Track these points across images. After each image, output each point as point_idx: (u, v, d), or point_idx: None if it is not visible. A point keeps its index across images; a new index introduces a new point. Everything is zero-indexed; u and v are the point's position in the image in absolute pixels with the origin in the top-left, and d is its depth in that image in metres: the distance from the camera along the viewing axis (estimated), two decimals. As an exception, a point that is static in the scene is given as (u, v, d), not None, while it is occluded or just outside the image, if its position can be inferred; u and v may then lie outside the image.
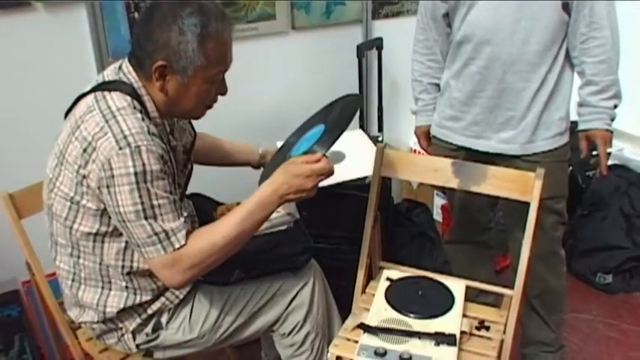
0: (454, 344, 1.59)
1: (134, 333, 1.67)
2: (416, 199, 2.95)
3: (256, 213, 1.48)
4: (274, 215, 1.69)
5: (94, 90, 1.51)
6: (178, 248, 1.45)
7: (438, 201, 2.98)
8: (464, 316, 1.71)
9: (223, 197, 1.96)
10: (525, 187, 1.71)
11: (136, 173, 1.39)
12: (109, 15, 2.21)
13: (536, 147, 1.93)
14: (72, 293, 1.65)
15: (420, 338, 1.60)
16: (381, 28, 2.84)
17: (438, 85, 2.10)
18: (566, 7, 1.82)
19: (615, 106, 1.87)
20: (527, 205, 1.70)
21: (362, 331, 1.64)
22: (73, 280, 1.62)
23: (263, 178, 1.65)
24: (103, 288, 1.61)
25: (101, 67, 2.20)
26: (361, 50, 2.71)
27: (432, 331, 1.62)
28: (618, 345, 2.53)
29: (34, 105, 2.15)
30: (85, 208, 1.48)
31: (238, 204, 1.54)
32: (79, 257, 1.58)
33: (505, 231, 2.21)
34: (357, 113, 2.80)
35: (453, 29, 1.97)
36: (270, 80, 2.66)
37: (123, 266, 1.57)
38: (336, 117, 1.63)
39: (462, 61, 1.94)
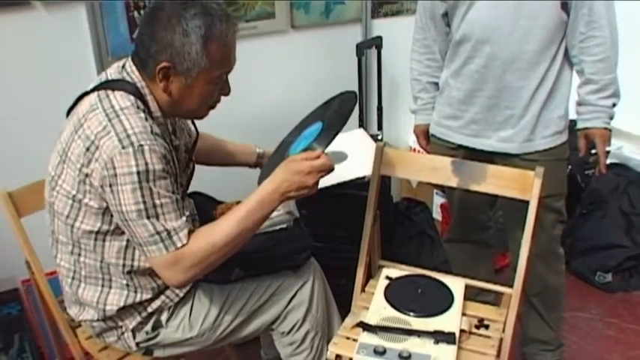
0: (453, 343, 1.59)
1: (134, 331, 1.67)
2: (415, 198, 2.95)
3: (257, 211, 1.48)
4: (274, 214, 1.69)
5: (97, 88, 1.51)
6: (180, 247, 1.45)
7: (438, 200, 2.98)
8: (463, 314, 1.71)
9: (223, 196, 1.96)
10: (525, 185, 1.71)
11: (138, 172, 1.39)
12: (109, 14, 2.21)
13: (535, 145, 1.94)
14: (72, 291, 1.65)
15: (419, 337, 1.60)
16: (381, 27, 2.84)
17: (436, 84, 2.10)
18: (565, 7, 1.82)
19: (614, 105, 1.87)
20: (526, 203, 1.70)
21: (361, 330, 1.64)
22: (73, 278, 1.63)
23: (262, 177, 1.65)
24: (103, 286, 1.62)
25: (101, 65, 2.20)
26: (360, 49, 2.71)
27: (432, 329, 1.62)
28: (617, 344, 2.53)
29: (34, 104, 2.15)
30: (87, 206, 1.49)
31: (238, 203, 1.54)
32: (79, 255, 1.58)
33: (504, 230, 2.21)
34: (357, 112, 2.81)
35: (452, 28, 1.97)
36: (270, 79, 2.66)
37: (124, 265, 1.57)
38: (334, 114, 1.64)
39: (460, 60, 1.94)
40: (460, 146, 2.04)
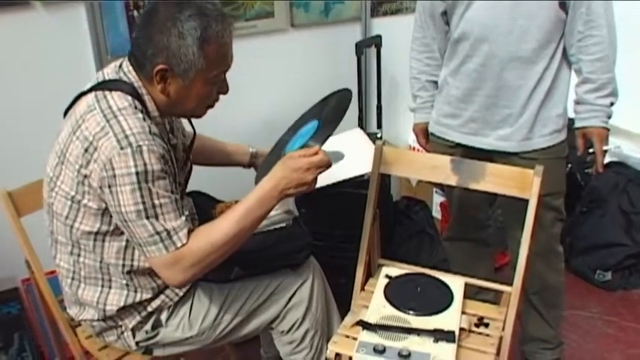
0: (453, 341, 1.59)
1: (134, 330, 1.68)
2: (415, 197, 2.95)
3: (256, 210, 1.48)
4: (273, 213, 1.69)
5: (94, 89, 1.51)
6: (180, 247, 1.45)
7: (437, 198, 2.99)
8: (463, 313, 1.71)
9: (222, 195, 1.96)
10: (524, 184, 1.71)
11: (137, 173, 1.39)
12: (108, 13, 2.21)
13: (533, 144, 1.94)
14: (72, 291, 1.65)
15: (419, 335, 1.60)
16: (380, 25, 2.84)
17: (435, 82, 2.11)
18: (563, 6, 1.82)
19: (612, 104, 1.87)
20: (525, 202, 1.70)
21: (361, 328, 1.64)
22: (72, 279, 1.63)
23: (259, 177, 1.65)
24: (103, 286, 1.62)
25: (100, 65, 2.20)
26: (360, 48, 2.71)
27: (431, 327, 1.62)
28: (617, 342, 2.53)
29: (34, 103, 2.15)
30: (86, 207, 1.49)
31: (237, 202, 1.54)
32: (79, 255, 1.58)
33: (504, 228, 2.21)
34: (357, 111, 2.82)
35: (450, 27, 1.97)
36: (269, 78, 2.66)
37: (123, 265, 1.57)
38: (330, 112, 1.64)
39: (459, 58, 1.94)
40: (459, 145, 2.04)
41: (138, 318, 1.66)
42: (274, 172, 1.49)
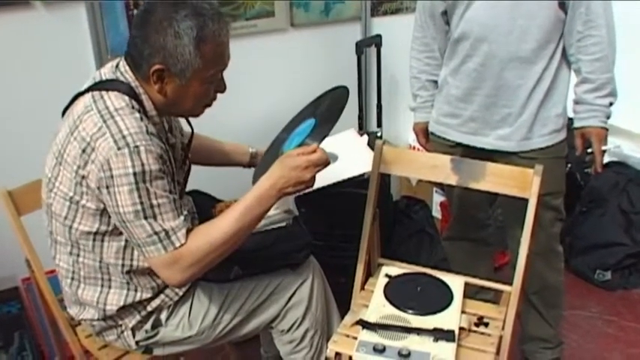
0: (453, 340, 1.59)
1: (134, 330, 1.68)
2: (415, 196, 2.95)
3: (255, 208, 1.48)
4: (272, 212, 1.69)
5: (91, 89, 1.51)
6: (178, 247, 1.45)
7: (437, 198, 2.98)
8: (462, 312, 1.71)
9: (222, 195, 1.96)
10: (524, 183, 1.71)
11: (135, 173, 1.39)
12: (109, 13, 2.21)
13: (532, 144, 1.94)
14: (72, 291, 1.65)
15: (418, 334, 1.60)
16: (380, 25, 2.84)
17: (436, 81, 2.11)
18: (562, 6, 1.82)
19: (611, 104, 1.87)
20: (525, 201, 1.70)
21: (361, 328, 1.64)
22: (72, 279, 1.63)
23: (256, 175, 1.65)
24: (102, 286, 1.62)
25: (100, 64, 2.20)
26: (360, 47, 2.71)
27: (431, 327, 1.62)
28: (617, 342, 2.53)
29: (34, 103, 2.15)
30: (85, 207, 1.49)
31: (237, 201, 1.54)
32: (78, 256, 1.58)
33: (504, 227, 2.21)
34: (357, 110, 2.82)
35: (451, 27, 1.97)
36: (269, 77, 2.66)
37: (123, 265, 1.57)
38: (326, 110, 1.64)
39: (459, 58, 1.94)
40: (459, 144, 2.04)
41: (138, 317, 1.66)
42: (272, 171, 1.49)
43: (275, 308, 1.76)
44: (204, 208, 1.82)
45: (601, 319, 2.66)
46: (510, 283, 1.75)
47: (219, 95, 1.58)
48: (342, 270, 2.04)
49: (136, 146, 1.39)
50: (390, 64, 2.89)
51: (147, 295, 1.64)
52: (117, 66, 1.54)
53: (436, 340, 1.59)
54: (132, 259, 1.57)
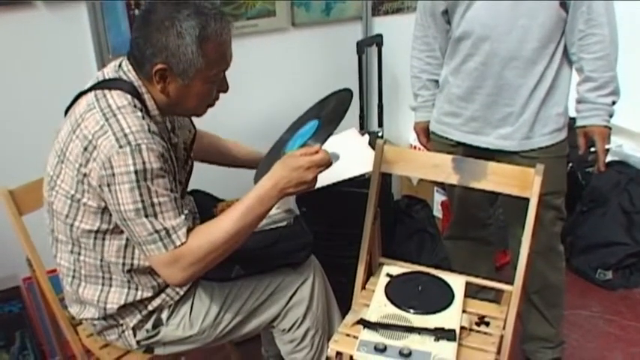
0: (454, 340, 1.59)
1: (135, 329, 1.68)
2: (416, 196, 2.95)
3: (256, 208, 1.48)
4: (274, 212, 1.69)
5: (93, 88, 1.51)
6: (179, 246, 1.45)
7: (438, 197, 2.98)
8: (464, 311, 1.72)
9: (224, 194, 1.96)
10: (525, 183, 1.71)
11: (136, 172, 1.39)
12: (110, 12, 2.21)
13: (534, 143, 1.94)
14: (72, 290, 1.65)
15: (419, 334, 1.60)
16: (381, 24, 2.84)
17: (437, 81, 2.11)
18: (563, 5, 1.82)
19: (613, 103, 1.87)
20: (526, 201, 1.70)
21: (362, 327, 1.64)
22: (73, 277, 1.63)
23: (258, 176, 1.65)
24: (103, 285, 1.62)
25: (102, 64, 2.20)
26: (361, 47, 2.71)
27: (432, 326, 1.62)
28: (618, 341, 2.53)
29: (35, 102, 2.15)
30: (86, 206, 1.49)
31: (238, 201, 1.54)
32: (79, 254, 1.58)
33: (505, 227, 2.21)
34: (358, 110, 2.82)
35: (452, 26, 1.97)
36: (270, 77, 2.66)
37: (124, 263, 1.58)
38: (330, 112, 1.64)
39: (460, 57, 1.94)
40: (460, 143, 2.05)
41: (139, 317, 1.66)
42: (274, 171, 1.49)
43: (276, 307, 1.76)
44: (206, 207, 1.82)
45: (602, 319, 2.66)
46: (511, 283, 1.75)
47: (220, 94, 1.58)
48: (343, 269, 2.04)
49: (138, 144, 1.39)
50: (391, 64, 2.89)
51: (148, 294, 1.64)
52: (120, 65, 1.54)
53: (437, 339, 1.59)
54: (133, 258, 1.57)
